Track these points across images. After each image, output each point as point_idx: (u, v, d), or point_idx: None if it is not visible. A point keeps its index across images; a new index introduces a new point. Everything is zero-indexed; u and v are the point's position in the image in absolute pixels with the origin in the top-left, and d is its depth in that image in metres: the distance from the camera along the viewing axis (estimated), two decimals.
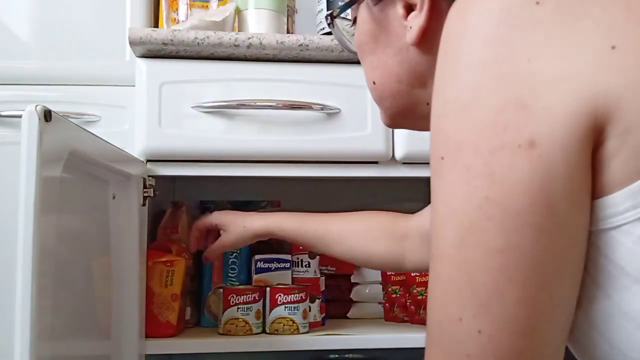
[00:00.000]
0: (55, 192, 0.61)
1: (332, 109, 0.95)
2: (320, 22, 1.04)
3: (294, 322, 0.98)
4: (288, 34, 1.01)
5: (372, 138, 0.97)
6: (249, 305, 0.98)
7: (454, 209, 0.38)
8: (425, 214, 0.89)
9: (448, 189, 0.39)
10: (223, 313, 0.98)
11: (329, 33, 1.01)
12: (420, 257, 0.90)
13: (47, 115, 0.59)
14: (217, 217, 0.98)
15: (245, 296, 0.98)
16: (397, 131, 0.98)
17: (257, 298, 0.99)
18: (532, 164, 0.36)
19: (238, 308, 0.98)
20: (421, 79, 0.52)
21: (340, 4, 0.57)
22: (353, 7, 0.56)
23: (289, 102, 0.94)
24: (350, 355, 1.18)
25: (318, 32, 1.05)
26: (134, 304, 0.89)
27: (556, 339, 0.38)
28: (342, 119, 0.96)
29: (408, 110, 0.55)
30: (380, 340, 0.99)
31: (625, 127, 0.35)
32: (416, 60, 0.51)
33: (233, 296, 0.98)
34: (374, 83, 0.56)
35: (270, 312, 0.99)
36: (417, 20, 0.48)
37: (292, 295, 0.99)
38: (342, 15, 0.59)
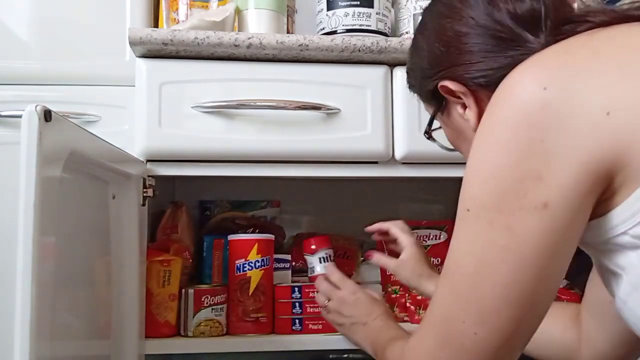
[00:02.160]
0: (55, 192, 0.61)
1: (332, 109, 0.95)
2: (320, 22, 1.04)
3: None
4: (288, 34, 1.01)
5: (371, 138, 0.97)
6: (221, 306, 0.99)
7: (474, 249, 0.53)
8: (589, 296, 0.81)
9: (471, 235, 0.54)
10: (194, 315, 0.97)
11: (329, 33, 1.01)
12: (598, 338, 0.78)
13: (47, 115, 0.59)
14: (410, 250, 0.95)
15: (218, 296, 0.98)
16: (397, 131, 0.98)
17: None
18: (543, 221, 0.50)
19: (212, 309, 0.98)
20: None
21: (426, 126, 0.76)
22: (434, 122, 0.73)
23: (288, 102, 0.94)
24: (350, 355, 1.18)
25: (318, 32, 1.05)
26: (134, 303, 0.89)
27: (529, 335, 0.55)
28: (342, 119, 0.96)
29: None
30: None
31: (622, 181, 0.49)
32: None
33: (207, 297, 0.98)
34: None
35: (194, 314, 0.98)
36: (471, 112, 0.64)
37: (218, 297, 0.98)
38: (432, 129, 0.75)
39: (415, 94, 0.75)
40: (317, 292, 0.96)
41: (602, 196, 0.51)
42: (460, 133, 0.69)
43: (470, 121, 0.64)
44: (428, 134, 0.76)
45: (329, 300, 0.93)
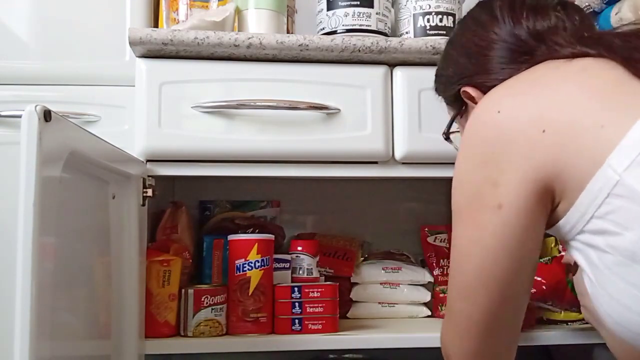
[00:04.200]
0: (55, 192, 0.61)
1: (332, 109, 0.95)
2: (320, 22, 1.04)
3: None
4: (288, 34, 1.01)
5: (371, 138, 0.97)
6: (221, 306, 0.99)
7: (457, 243, 0.66)
8: None
9: (456, 231, 0.66)
10: (194, 315, 0.97)
11: (329, 33, 1.01)
12: None
13: (47, 115, 0.59)
14: None
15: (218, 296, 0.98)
16: (397, 131, 0.98)
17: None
18: (500, 218, 0.61)
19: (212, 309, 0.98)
20: None
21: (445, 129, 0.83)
22: (453, 123, 0.81)
23: (289, 102, 0.94)
24: (350, 355, 1.18)
25: (318, 32, 1.05)
26: (134, 303, 0.89)
27: (515, 313, 0.66)
28: (342, 119, 0.96)
29: None
30: (379, 340, 0.99)
31: (562, 188, 0.59)
32: None
33: (207, 297, 0.98)
34: None
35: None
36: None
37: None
38: (450, 131, 0.83)
39: (440, 97, 0.82)
40: None
41: (553, 204, 0.61)
42: None
43: None
44: (446, 134, 0.83)
45: None
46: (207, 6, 1.09)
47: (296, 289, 1.01)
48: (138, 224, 0.90)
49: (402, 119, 0.98)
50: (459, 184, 0.66)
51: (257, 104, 0.94)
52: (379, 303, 1.15)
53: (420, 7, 1.01)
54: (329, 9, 1.02)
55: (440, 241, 1.19)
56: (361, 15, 0.99)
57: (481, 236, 0.62)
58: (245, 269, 0.99)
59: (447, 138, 0.84)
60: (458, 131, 0.82)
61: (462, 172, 0.66)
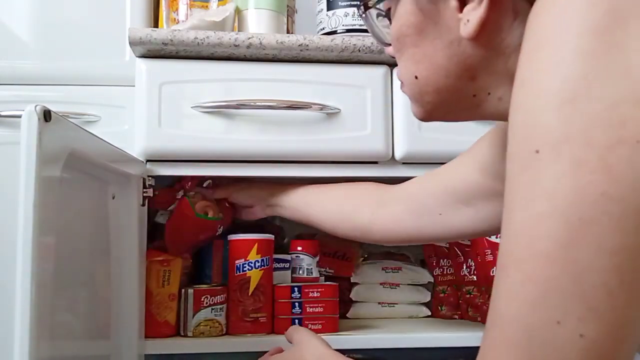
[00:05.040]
0: (55, 192, 0.61)
1: (332, 109, 0.95)
2: (320, 22, 1.04)
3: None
4: (288, 34, 1.01)
5: (372, 138, 0.97)
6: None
7: (558, 204, 0.36)
8: (412, 183, 0.87)
9: (549, 184, 0.37)
10: (194, 315, 0.97)
11: (329, 33, 1.01)
12: (396, 226, 0.86)
13: (47, 115, 0.59)
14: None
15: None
16: (397, 131, 0.98)
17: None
18: None
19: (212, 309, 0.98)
20: (471, 72, 0.51)
21: None
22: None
23: (288, 102, 0.94)
24: (350, 355, 1.18)
25: (318, 32, 1.05)
26: (134, 303, 0.89)
27: None
28: (342, 119, 0.96)
29: (452, 103, 0.55)
30: (379, 340, 0.99)
31: None
32: (468, 53, 0.50)
33: (207, 297, 0.98)
34: (416, 77, 0.54)
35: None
36: (476, 13, 0.48)
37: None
38: (377, 4, 0.57)
39: None
40: None
41: None
42: (426, 32, 0.52)
43: (471, 23, 0.48)
44: (365, 7, 0.58)
45: None
46: (207, 6, 1.09)
47: (296, 289, 1.01)
48: (138, 224, 0.90)
49: (402, 119, 0.98)
50: (555, 103, 0.37)
51: (257, 104, 0.94)
52: (379, 303, 1.15)
53: None
54: (329, 9, 1.02)
55: None
56: None
57: (618, 191, 0.35)
58: (245, 269, 0.99)
59: (364, 13, 0.59)
60: (380, 9, 0.58)
61: (564, 78, 0.37)
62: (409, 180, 0.88)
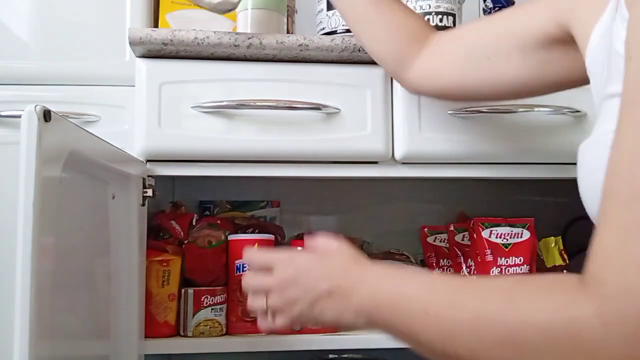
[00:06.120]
0: (55, 192, 0.61)
1: (332, 109, 0.95)
2: (320, 22, 1.04)
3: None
4: (288, 34, 1.01)
5: (371, 138, 0.97)
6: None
7: None
8: (465, 26, 0.82)
9: None
10: (194, 315, 0.97)
11: (329, 33, 1.01)
12: (438, 66, 0.80)
13: (47, 115, 0.59)
14: None
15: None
16: (397, 131, 0.98)
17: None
18: None
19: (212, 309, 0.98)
20: None
21: None
22: None
23: (288, 102, 0.94)
24: (350, 355, 1.18)
25: (318, 32, 1.05)
26: (134, 303, 0.89)
27: None
28: (341, 119, 0.96)
29: None
30: (380, 340, 0.99)
31: None
32: None
33: (206, 297, 0.98)
34: None
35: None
36: None
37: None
38: None
39: None
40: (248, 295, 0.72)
41: None
42: None
43: None
44: None
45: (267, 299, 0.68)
46: None
47: None
48: (138, 224, 0.90)
49: (402, 119, 0.98)
50: None
51: (257, 104, 0.94)
52: None
53: (420, 7, 1.01)
54: (329, 9, 1.02)
55: (440, 241, 1.19)
56: None
57: None
58: (245, 269, 0.99)
59: None
60: None
61: None
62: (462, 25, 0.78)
